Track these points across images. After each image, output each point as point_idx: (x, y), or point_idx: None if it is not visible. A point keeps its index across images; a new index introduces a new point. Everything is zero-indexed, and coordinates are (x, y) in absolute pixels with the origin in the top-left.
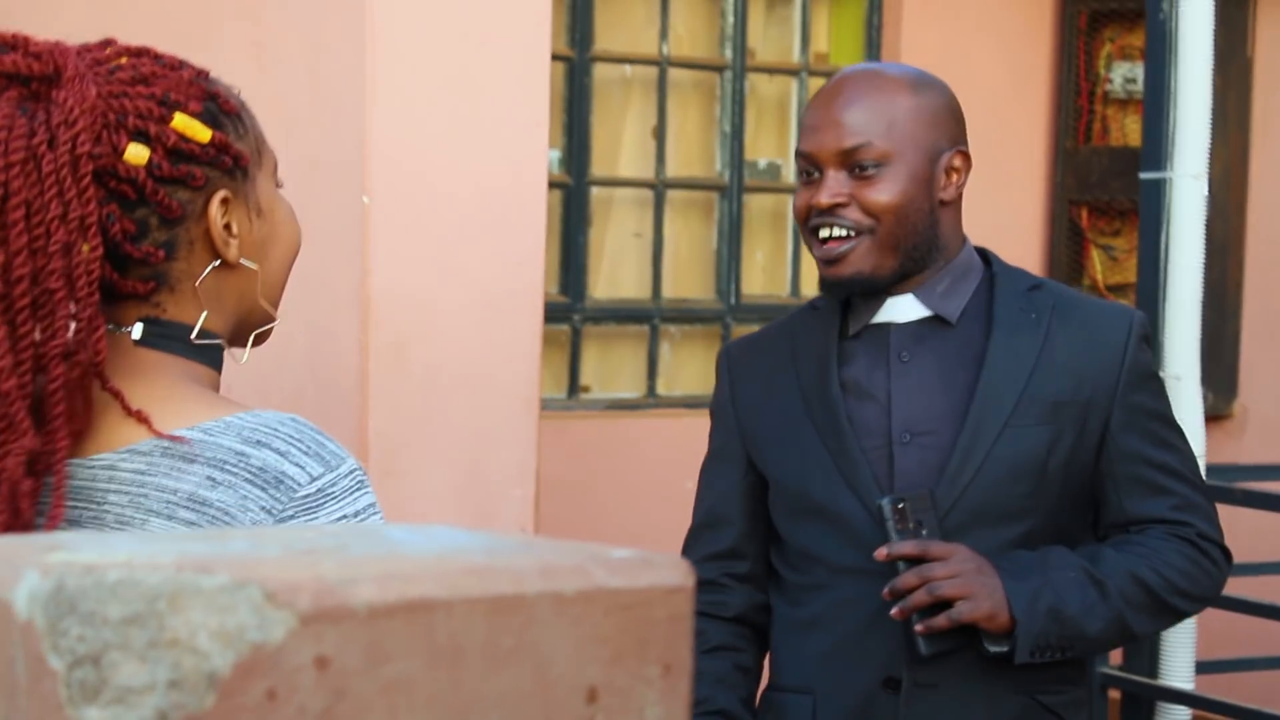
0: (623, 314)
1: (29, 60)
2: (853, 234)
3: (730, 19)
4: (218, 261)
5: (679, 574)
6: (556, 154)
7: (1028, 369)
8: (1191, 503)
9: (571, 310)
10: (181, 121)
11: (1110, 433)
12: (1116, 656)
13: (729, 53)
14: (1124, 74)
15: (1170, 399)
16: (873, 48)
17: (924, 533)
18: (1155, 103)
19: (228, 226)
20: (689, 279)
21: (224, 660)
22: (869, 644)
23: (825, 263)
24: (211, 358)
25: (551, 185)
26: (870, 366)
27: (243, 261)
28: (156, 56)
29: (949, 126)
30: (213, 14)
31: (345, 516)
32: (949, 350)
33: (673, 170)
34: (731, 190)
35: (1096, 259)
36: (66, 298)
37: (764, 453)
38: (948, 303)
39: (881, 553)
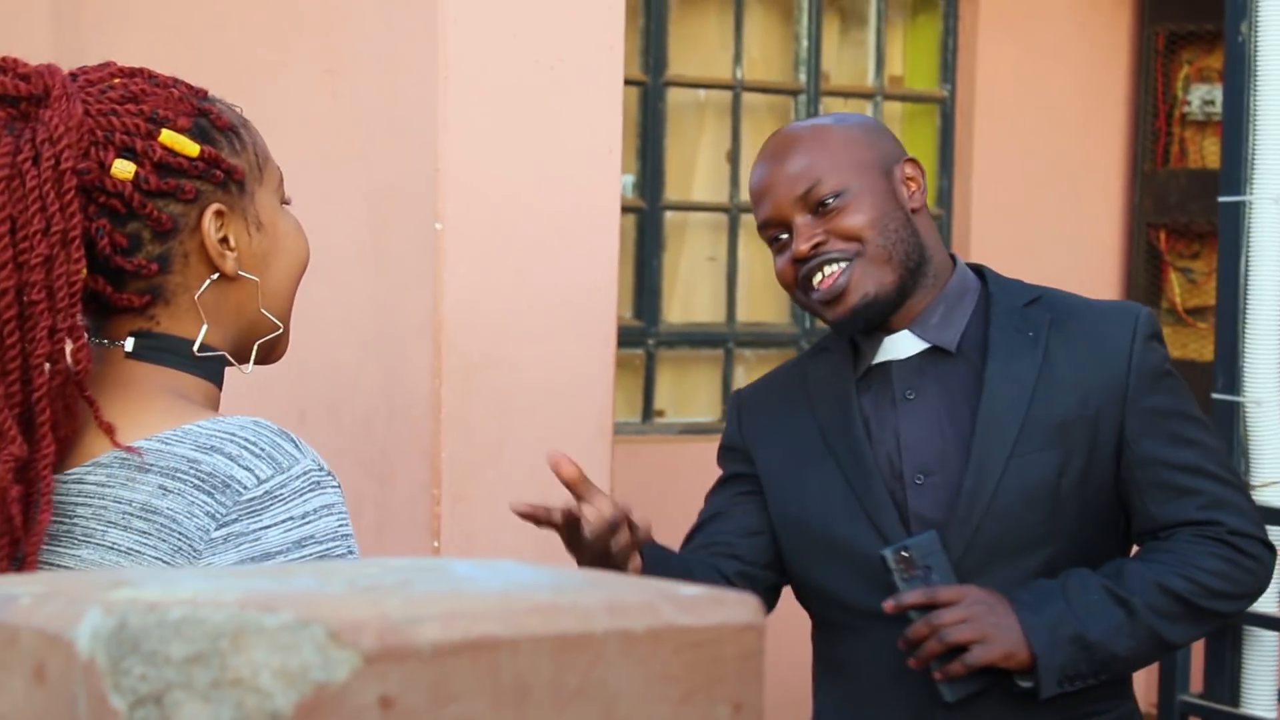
0: (697, 338)
1: (17, 81)
2: (843, 262)
3: (804, 43)
4: (215, 275)
5: (750, 611)
6: (630, 178)
7: (1028, 394)
8: (1220, 499)
9: (645, 334)
10: (168, 137)
11: (1127, 441)
12: (1197, 684)
13: (803, 76)
14: (1202, 96)
15: (1249, 424)
16: (948, 71)
17: (935, 577)
18: (1234, 125)
19: (224, 240)
20: (763, 302)
21: (287, 700)
22: (899, 690)
23: (827, 303)
24: (210, 370)
25: (625, 210)
26: (877, 407)
27: (241, 273)
28: (150, 76)
29: (886, 142)
30: (286, 41)
31: (291, 518)
32: (952, 382)
33: (747, 194)
34: None
35: (1175, 282)
36: (48, 309)
37: (782, 491)
38: (944, 332)
39: (889, 605)
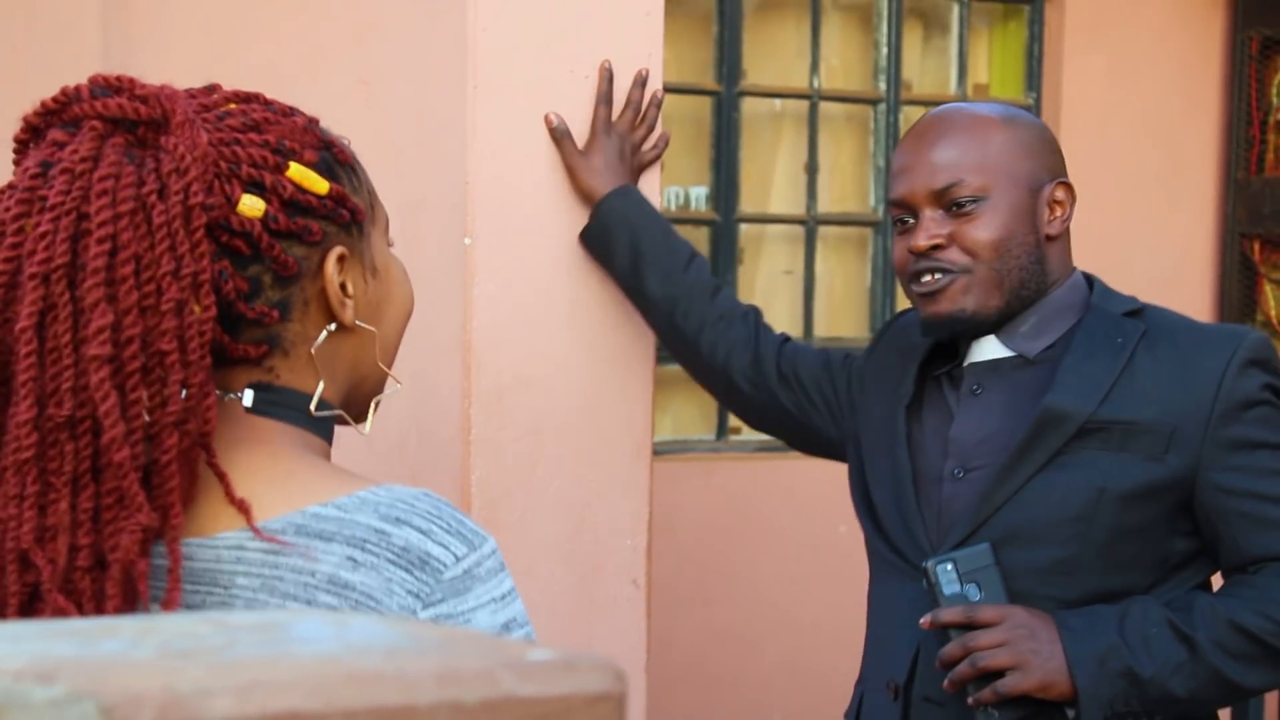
0: None
1: (135, 104)
2: (953, 274)
3: (884, 50)
4: (333, 326)
5: (606, 679)
6: (704, 190)
7: (1100, 393)
8: None
9: None
10: (298, 172)
11: (1205, 468)
12: None
13: (883, 85)
14: None
15: None
16: (1033, 78)
17: (981, 593)
18: None
19: (343, 286)
20: (842, 316)
21: None
22: (893, 645)
23: (924, 298)
24: (324, 429)
25: (699, 222)
26: (945, 402)
27: (359, 324)
28: (266, 102)
29: (1046, 158)
30: (321, 52)
31: (493, 599)
32: (1024, 383)
33: (825, 206)
34: (886, 226)
35: (1270, 294)
36: (179, 362)
37: (860, 433)
38: (1029, 342)
39: (925, 621)
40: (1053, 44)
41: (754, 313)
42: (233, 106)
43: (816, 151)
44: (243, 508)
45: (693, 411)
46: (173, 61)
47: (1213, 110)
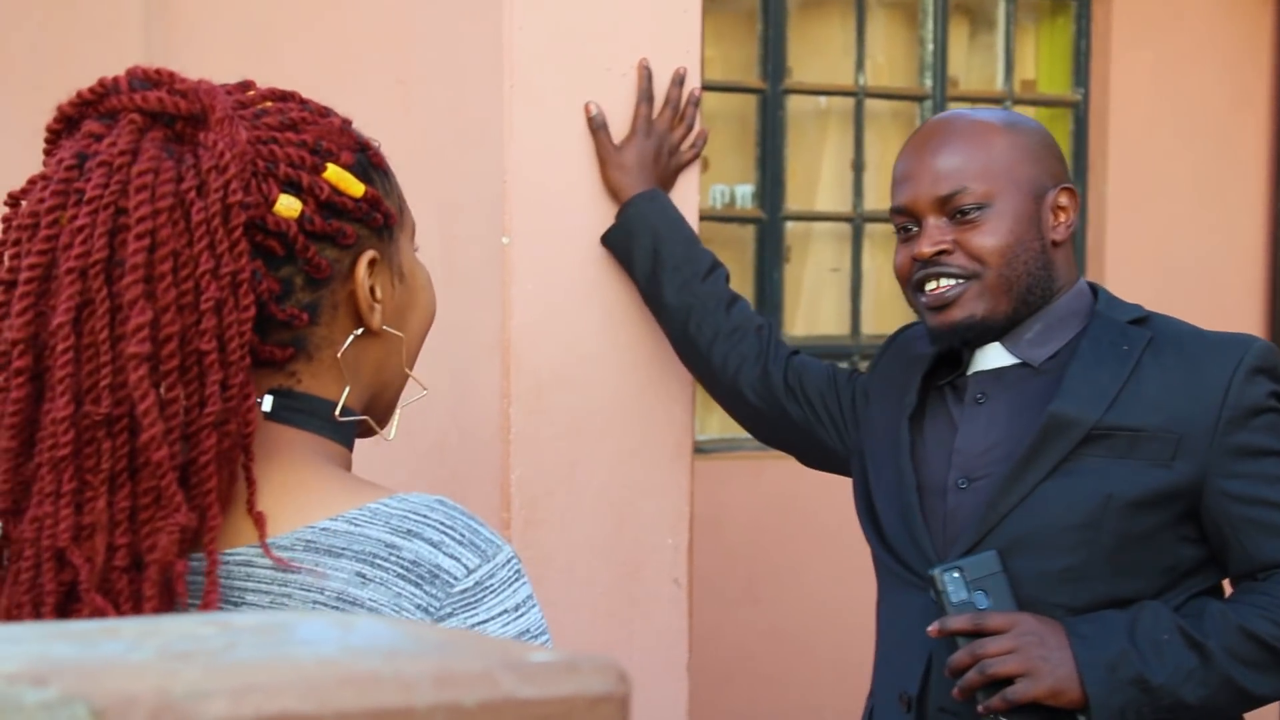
0: (821, 351)
1: (175, 98)
2: (960, 280)
3: (930, 47)
4: (360, 330)
5: (608, 680)
6: (750, 189)
7: (1105, 401)
8: None
9: None
10: (335, 173)
11: (1212, 474)
12: None
13: (929, 82)
14: None
15: None
16: (1081, 74)
17: (989, 601)
18: None
19: (372, 290)
20: (890, 314)
21: None
22: (904, 656)
23: (932, 309)
24: (346, 436)
25: (744, 221)
26: (948, 412)
27: (386, 329)
28: (302, 102)
29: (1049, 163)
30: (358, 52)
31: (506, 611)
32: (1029, 391)
33: (871, 203)
34: None
35: None
36: (218, 362)
37: (864, 446)
38: (1034, 350)
39: (933, 630)
40: (1100, 39)
41: (767, 326)
42: (269, 105)
43: (863, 149)
44: (259, 520)
45: None
46: (212, 61)
47: (1262, 105)
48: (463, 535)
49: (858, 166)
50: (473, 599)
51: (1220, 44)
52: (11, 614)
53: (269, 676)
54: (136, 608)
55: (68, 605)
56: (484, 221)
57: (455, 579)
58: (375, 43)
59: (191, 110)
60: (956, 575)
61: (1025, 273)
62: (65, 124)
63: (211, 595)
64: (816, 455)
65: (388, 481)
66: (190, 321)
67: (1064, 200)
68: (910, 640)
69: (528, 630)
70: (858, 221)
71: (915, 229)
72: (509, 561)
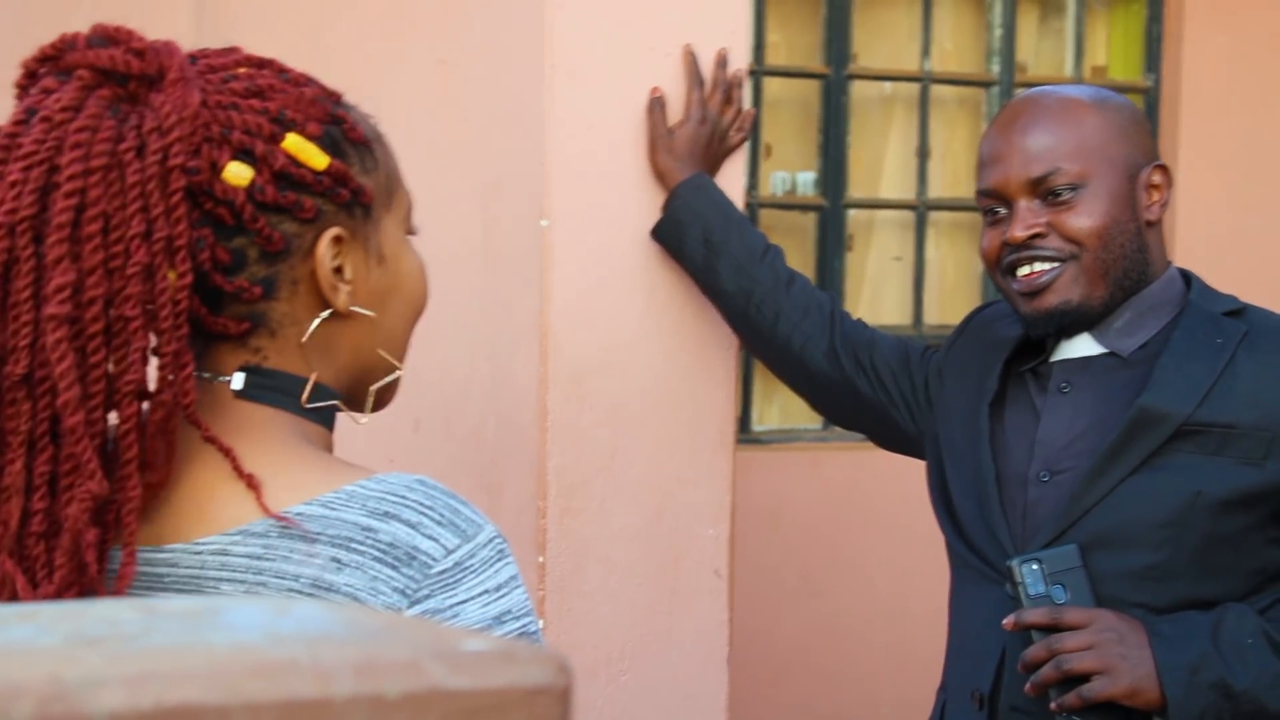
0: None
1: (129, 57)
2: (1056, 263)
3: (998, 31)
4: (327, 312)
5: (547, 671)
6: (812, 175)
7: (1198, 395)
8: None
9: None
10: (294, 143)
11: None
12: None
13: (996, 67)
14: None
15: None
16: (1153, 60)
17: (1068, 595)
18: None
19: (339, 270)
20: (953, 304)
21: None
22: (977, 652)
23: (1027, 295)
24: (324, 416)
25: (805, 208)
26: (1031, 401)
27: (355, 309)
28: (281, 70)
29: (1141, 140)
30: (401, 32)
31: (486, 591)
32: (1116, 382)
33: (936, 191)
34: None
35: None
36: (143, 328)
37: (939, 430)
38: (1124, 339)
39: (1008, 622)
40: (1172, 23)
41: (829, 300)
42: (242, 71)
43: (927, 135)
44: (252, 484)
45: (799, 401)
46: (258, 43)
47: None
48: (442, 515)
49: (922, 154)
50: (451, 580)
51: None
52: None
53: (175, 664)
54: (50, 576)
55: None
56: (524, 203)
57: (434, 560)
58: (417, 23)
59: (145, 70)
60: (1035, 568)
61: (1122, 255)
62: (29, 79)
63: (129, 567)
64: (891, 436)
65: (426, 470)
66: (118, 286)
67: (1157, 178)
68: (984, 635)
69: (509, 611)
70: (921, 210)
71: (1004, 212)
72: (491, 541)
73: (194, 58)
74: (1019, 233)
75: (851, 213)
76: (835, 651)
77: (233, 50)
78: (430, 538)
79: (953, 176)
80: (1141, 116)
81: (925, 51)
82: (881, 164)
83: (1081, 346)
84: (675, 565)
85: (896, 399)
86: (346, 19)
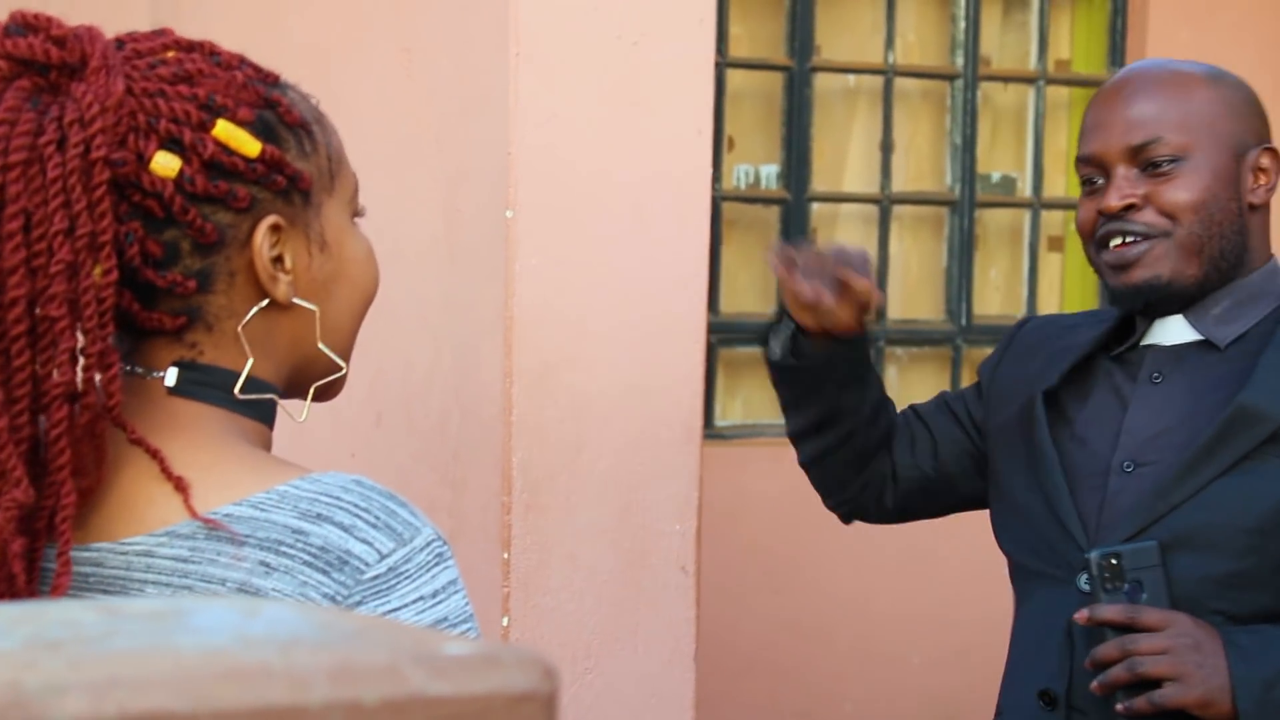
0: None
1: (48, 45)
2: (1148, 238)
3: (962, 24)
4: (265, 301)
5: (532, 676)
6: (775, 169)
7: None
8: None
9: None
10: (224, 130)
11: None
12: None
13: (960, 60)
14: None
15: None
16: (1117, 54)
17: (1144, 595)
18: None
19: (278, 260)
20: (917, 299)
21: None
22: (1043, 653)
23: (1115, 268)
24: (262, 412)
25: (769, 201)
26: (1117, 389)
27: (297, 301)
28: (212, 53)
29: (1253, 120)
30: (363, 20)
31: (422, 598)
32: (1211, 374)
33: (900, 184)
34: (963, 205)
35: None
36: (69, 328)
37: (994, 440)
38: (1221, 328)
39: (1082, 616)
40: (1137, 17)
41: (891, 406)
42: (170, 55)
43: (891, 129)
44: (180, 486)
45: (762, 395)
46: (219, 29)
47: None
48: (377, 518)
49: (886, 147)
50: (385, 585)
51: (1260, 22)
52: None
53: (141, 670)
54: None
55: None
56: (488, 194)
57: (366, 565)
58: (380, 10)
59: (66, 59)
60: (1114, 562)
61: (1219, 234)
62: None
63: (63, 578)
64: (981, 496)
65: (389, 464)
66: (41, 286)
67: (1265, 161)
68: (1050, 636)
69: (445, 618)
70: (885, 203)
71: (1102, 181)
72: (429, 545)
73: (121, 42)
74: (1113, 201)
75: (815, 206)
76: (798, 649)
77: (163, 33)
78: (364, 541)
79: (916, 170)
80: (1255, 97)
81: (889, 44)
82: (845, 157)
83: (1174, 331)
84: (641, 561)
85: (969, 465)
86: (309, 6)
